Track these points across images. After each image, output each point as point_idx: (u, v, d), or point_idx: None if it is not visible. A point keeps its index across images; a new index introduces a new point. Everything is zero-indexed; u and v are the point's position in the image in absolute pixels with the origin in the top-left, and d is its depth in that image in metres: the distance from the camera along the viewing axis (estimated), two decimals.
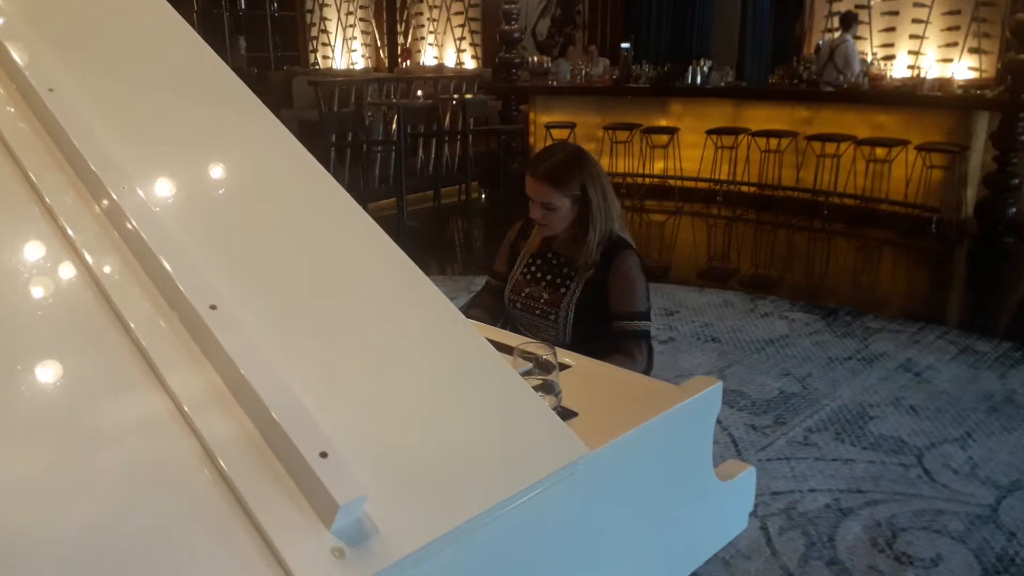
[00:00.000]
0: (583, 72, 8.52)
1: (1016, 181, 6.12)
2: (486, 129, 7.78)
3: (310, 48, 13.05)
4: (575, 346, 2.04)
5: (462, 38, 13.61)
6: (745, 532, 2.46)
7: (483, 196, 8.00)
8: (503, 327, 2.18)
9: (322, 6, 13.19)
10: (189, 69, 1.35)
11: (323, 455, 0.84)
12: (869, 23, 10.66)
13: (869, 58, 8.43)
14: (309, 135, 6.80)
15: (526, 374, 1.24)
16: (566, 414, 1.25)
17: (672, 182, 7.69)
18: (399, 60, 13.30)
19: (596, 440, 1.14)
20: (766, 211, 7.16)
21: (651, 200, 7.73)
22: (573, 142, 7.25)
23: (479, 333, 1.13)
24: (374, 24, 13.88)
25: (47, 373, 0.90)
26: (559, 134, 7.94)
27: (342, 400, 0.97)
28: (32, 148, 1.10)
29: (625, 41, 9.80)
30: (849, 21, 7.71)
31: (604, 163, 7.98)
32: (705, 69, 7.76)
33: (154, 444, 0.86)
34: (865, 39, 10.49)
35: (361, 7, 13.70)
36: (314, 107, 7.12)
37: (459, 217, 7.30)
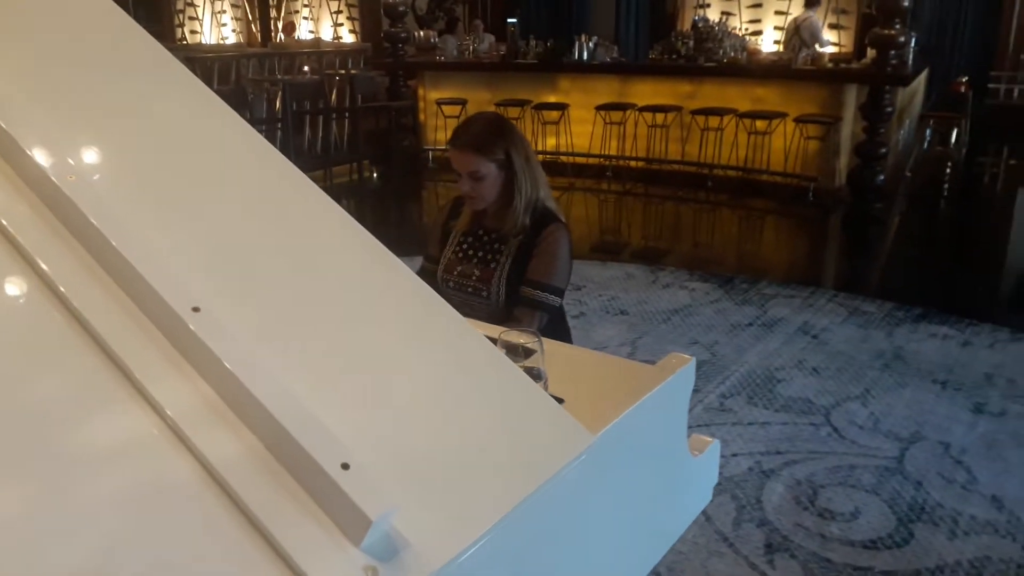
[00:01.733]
0: (471, 48, 8.43)
1: (884, 150, 6.54)
2: (375, 106, 7.59)
3: (176, 22, 12.31)
4: (510, 322, 2.03)
5: (339, 11, 13.18)
6: None
7: (375, 175, 7.83)
8: None
9: None
10: (119, 46, 1.21)
11: (345, 467, 0.77)
12: (737, 0, 11.08)
13: (740, 33, 8.78)
14: None
15: (514, 360, 1.20)
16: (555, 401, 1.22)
17: (564, 158, 7.76)
18: (275, 35, 12.75)
19: (591, 427, 1.11)
20: (654, 184, 7.35)
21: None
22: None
23: (469, 325, 1.08)
24: None
25: (10, 397, 0.79)
26: (450, 110, 7.84)
27: (347, 406, 0.90)
28: None
29: (509, 17, 9.78)
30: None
31: None
32: (591, 45, 7.84)
33: (148, 469, 0.77)
34: (734, 15, 10.90)
35: None
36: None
37: (352, 197, 7.10)
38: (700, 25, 7.96)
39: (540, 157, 7.69)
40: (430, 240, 2.22)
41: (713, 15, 10.24)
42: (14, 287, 0.89)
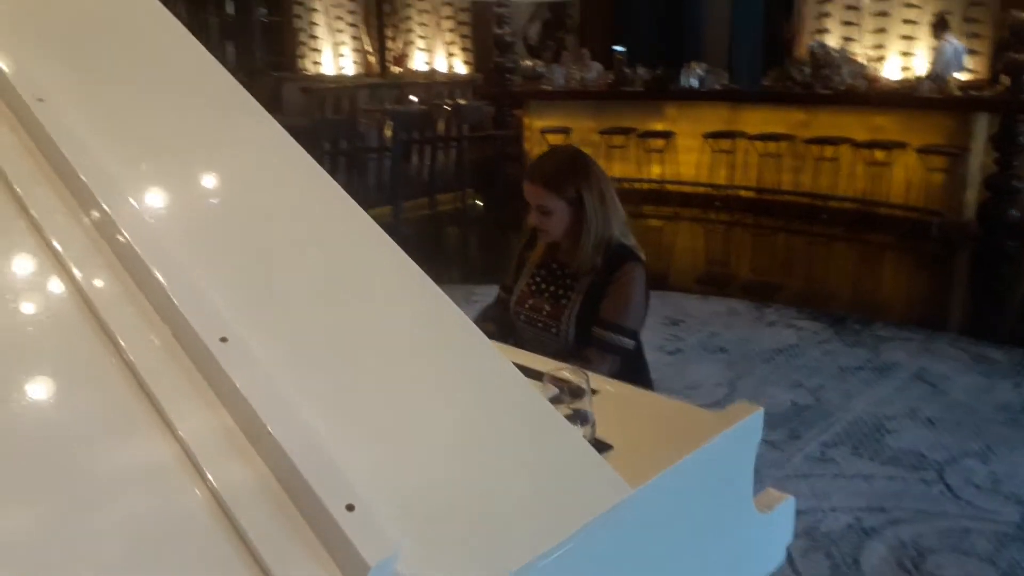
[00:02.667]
0: (577, 76, 8.43)
1: (1017, 183, 6.06)
2: (481, 135, 7.68)
3: (298, 54, 12.93)
4: (579, 362, 1.96)
5: (452, 43, 13.52)
6: None
7: (479, 203, 7.90)
8: (513, 341, 2.10)
9: (310, 11, 13.08)
10: (188, 75, 1.24)
11: (350, 508, 0.73)
12: (859, 24, 10.63)
13: (863, 59, 8.40)
14: (300, 142, 6.69)
15: (556, 401, 1.13)
16: (601, 447, 1.15)
17: (669, 187, 7.61)
18: (391, 65, 13.19)
19: (635, 477, 1.03)
20: (764, 215, 7.09)
21: (648, 205, 7.65)
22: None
23: (508, 362, 1.02)
24: (363, 29, 13.77)
25: (38, 413, 0.79)
26: (554, 139, 7.85)
27: (368, 442, 0.86)
28: (20, 162, 0.99)
29: (617, 45, 9.73)
30: (940, 26, 7.84)
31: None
32: (700, 72, 7.70)
33: (161, 494, 0.76)
34: (856, 40, 10.46)
35: (350, 12, 13.59)
36: (304, 114, 7.00)
37: (455, 224, 7.20)
38: (817, 51, 7.67)
39: (644, 185, 7.63)
40: (508, 269, 2.18)
41: (833, 41, 9.85)
42: (55, 298, 0.90)
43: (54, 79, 1.09)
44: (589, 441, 1.14)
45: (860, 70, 7.29)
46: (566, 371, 1.15)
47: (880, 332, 4.25)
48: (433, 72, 12.91)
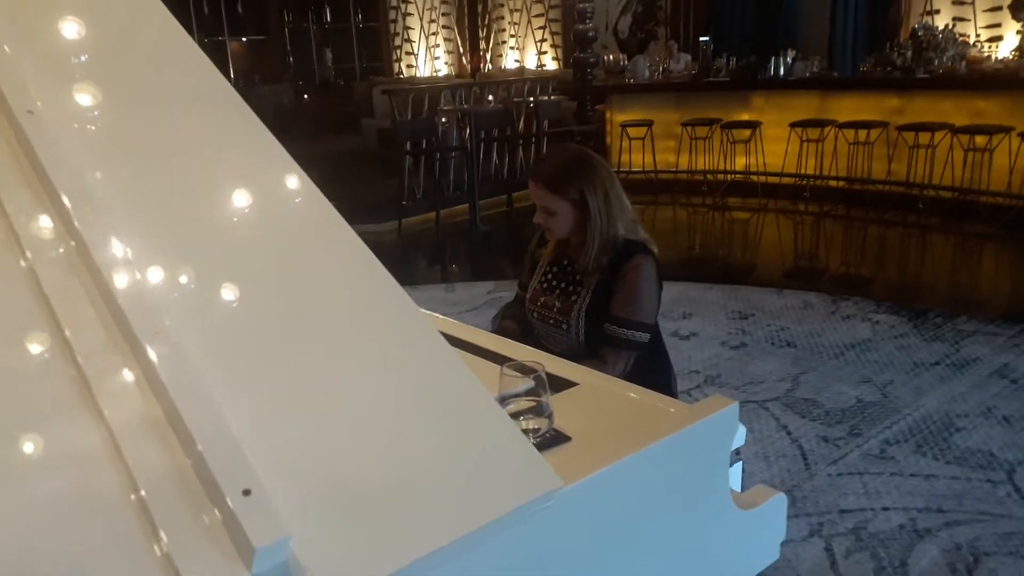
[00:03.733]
0: (660, 68, 8.32)
1: None
2: (559, 131, 7.70)
3: (394, 57, 13.27)
4: (591, 352, 1.96)
5: (543, 40, 13.57)
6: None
7: None
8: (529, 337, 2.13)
9: (405, 15, 13.39)
10: (186, 84, 1.32)
11: (246, 492, 0.79)
12: (973, 3, 10.01)
13: (972, 40, 7.91)
14: (386, 143, 6.90)
15: (514, 395, 1.17)
16: (558, 439, 1.17)
17: (755, 178, 7.41)
18: (480, 65, 13.36)
19: (580, 470, 1.06)
20: (856, 206, 6.80)
21: (734, 197, 7.48)
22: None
23: (449, 351, 1.06)
24: (456, 30, 14.01)
25: None
26: (636, 132, 7.77)
27: (291, 423, 0.92)
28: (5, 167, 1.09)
29: (709, 34, 9.52)
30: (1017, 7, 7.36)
31: (683, 160, 7.78)
32: (789, 60, 7.45)
33: (83, 473, 0.84)
34: (968, 20, 9.85)
35: (443, 14, 13.85)
36: (389, 115, 7.21)
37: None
38: (920, 33, 7.28)
39: (729, 177, 7.46)
40: (524, 267, 2.21)
41: (942, 22, 9.31)
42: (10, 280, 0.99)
43: (49, 91, 1.17)
44: (546, 433, 1.17)
45: (964, 52, 6.87)
46: (523, 362, 1.18)
47: (963, 327, 4.02)
48: (522, 69, 13.00)
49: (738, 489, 2.15)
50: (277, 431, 0.90)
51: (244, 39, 11.73)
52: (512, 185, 7.04)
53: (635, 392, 1.36)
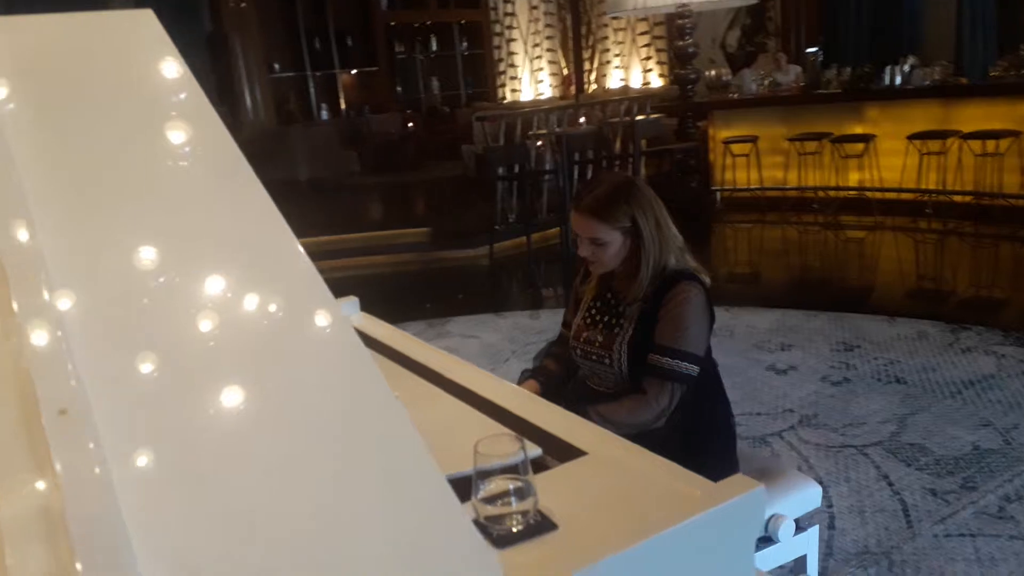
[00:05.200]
0: (764, 81, 7.95)
1: None
2: (658, 149, 7.46)
3: (498, 83, 13.37)
4: (637, 394, 1.80)
5: (648, 57, 13.35)
6: None
7: None
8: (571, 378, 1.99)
9: (509, 41, 13.48)
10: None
11: None
12: None
13: None
14: (482, 168, 6.89)
15: (491, 472, 1.02)
16: (542, 527, 1.02)
17: (870, 194, 6.92)
18: (588, 87, 13.28)
19: (563, 570, 0.90)
20: (985, 223, 6.22)
21: (847, 215, 7.02)
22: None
23: (405, 420, 0.92)
24: (560, 53, 13.99)
25: None
26: (739, 149, 7.45)
27: (196, 517, 0.81)
28: None
29: (823, 45, 9.05)
30: None
31: (791, 177, 7.38)
32: (906, 68, 6.95)
33: None
34: None
35: (548, 38, 13.86)
36: (488, 141, 7.19)
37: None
38: None
39: (841, 194, 7.00)
40: (569, 304, 2.07)
41: None
42: None
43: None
44: (530, 520, 1.02)
45: None
46: (502, 438, 1.03)
47: None
48: (627, 88, 12.80)
49: (815, 561, 1.92)
50: (178, 522, 0.80)
51: (354, 71, 12.09)
52: None
53: (652, 464, 1.19)
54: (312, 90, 11.53)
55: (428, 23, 13.01)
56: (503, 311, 5.08)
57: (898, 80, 6.87)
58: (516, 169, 6.70)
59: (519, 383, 2.05)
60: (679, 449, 1.79)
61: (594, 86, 13.37)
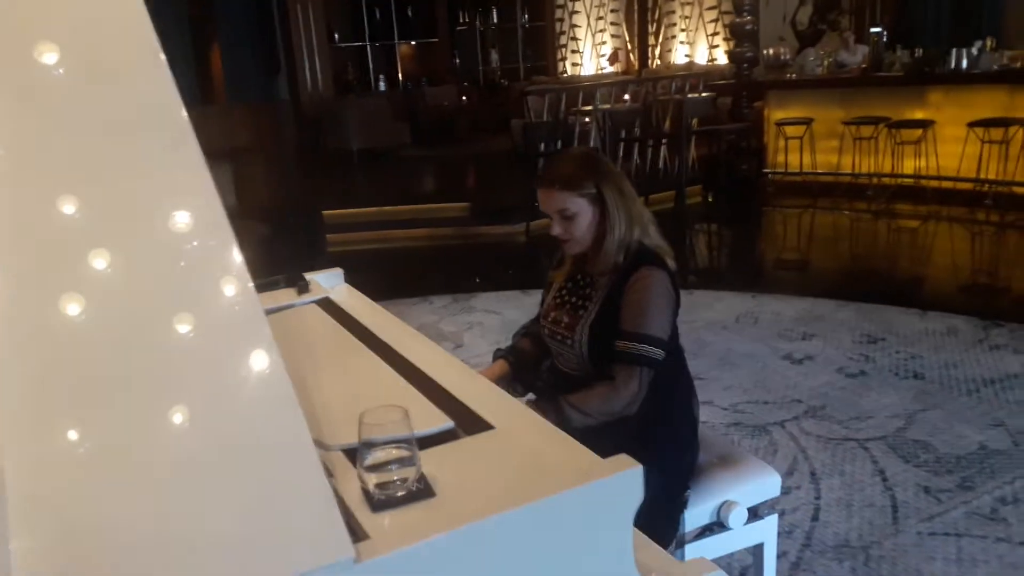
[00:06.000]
0: (823, 62, 7.71)
1: None
2: (708, 129, 7.33)
3: (559, 56, 13.27)
4: (597, 372, 1.83)
5: (715, 33, 13.06)
6: None
7: (710, 199, 7.54)
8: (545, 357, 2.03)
9: (572, 13, 13.35)
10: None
11: None
12: None
13: None
14: (526, 143, 6.90)
15: (375, 443, 1.07)
16: (421, 494, 1.07)
17: (926, 183, 6.68)
18: (651, 61, 13.07)
19: (407, 535, 0.96)
20: None
21: (902, 203, 6.80)
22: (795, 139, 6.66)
23: (287, 395, 0.98)
24: (624, 27, 13.78)
25: None
26: (793, 131, 7.27)
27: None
28: None
29: (900, 24, 8.71)
30: None
31: (845, 162, 7.18)
32: (975, 51, 6.64)
33: None
34: None
35: (612, 11, 13.67)
36: (537, 116, 7.17)
37: (668, 223, 6.93)
38: None
39: (896, 181, 6.78)
40: (545, 287, 2.10)
41: None
42: None
43: None
44: (412, 487, 1.07)
45: None
46: (388, 409, 1.08)
47: None
48: (691, 64, 12.56)
49: (773, 550, 1.93)
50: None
51: (413, 42, 12.18)
52: (650, 187, 6.80)
53: (550, 440, 1.23)
54: (371, 61, 11.67)
55: None
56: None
57: (964, 64, 6.59)
58: (559, 145, 6.69)
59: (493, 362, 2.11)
60: (635, 433, 1.82)
61: (658, 62, 13.15)
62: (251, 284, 1.03)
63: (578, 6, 13.29)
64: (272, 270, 2.20)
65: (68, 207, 0.98)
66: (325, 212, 6.82)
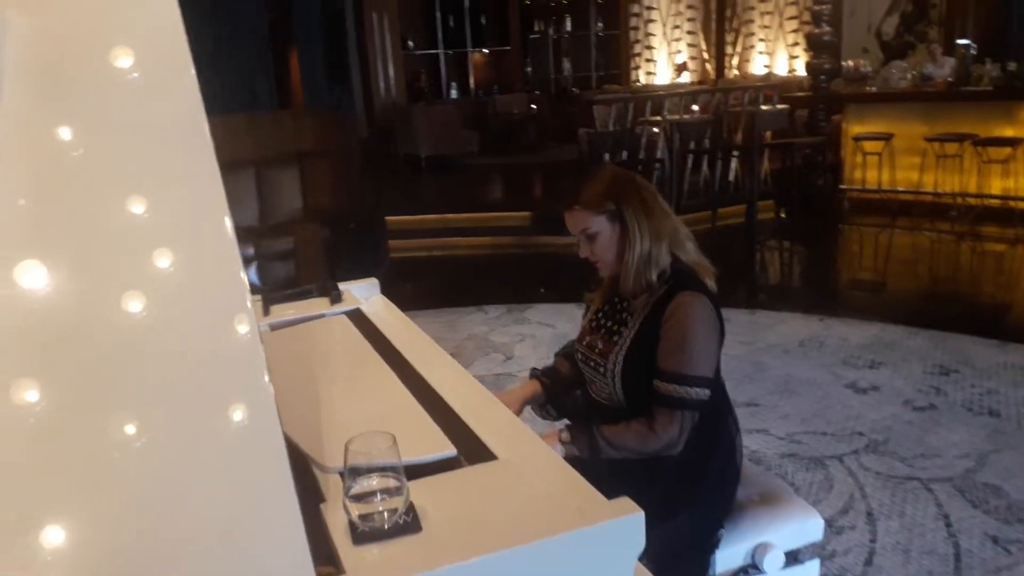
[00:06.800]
0: (907, 75, 7.38)
1: None
2: (781, 142, 7.10)
3: (632, 65, 13.12)
4: (629, 406, 1.73)
5: (795, 43, 12.71)
6: None
7: (782, 215, 7.29)
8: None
9: (648, 22, 13.19)
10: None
11: None
12: None
13: None
14: (582, 153, 6.82)
15: (361, 470, 1.01)
16: (407, 528, 1.01)
17: (1014, 204, 6.31)
18: (728, 71, 12.81)
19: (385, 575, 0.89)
20: None
21: (988, 225, 6.44)
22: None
23: (275, 437, 0.93)
24: (702, 36, 13.55)
25: None
26: (871, 147, 6.98)
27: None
28: None
29: (984, 35, 8.29)
30: None
31: (927, 180, 6.85)
32: None
33: None
34: None
35: (688, 20, 13.45)
36: (603, 125, 7.08)
37: (736, 239, 6.71)
38: None
39: (983, 202, 6.42)
40: (584, 309, 2.01)
41: None
42: None
43: None
44: (398, 520, 1.01)
45: None
46: (376, 436, 1.02)
47: None
48: (770, 75, 12.25)
49: None
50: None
51: (485, 50, 12.22)
52: (719, 200, 6.61)
53: (553, 476, 1.14)
54: (443, 68, 11.75)
55: (564, 2, 12.92)
56: None
57: None
58: (624, 156, 6.57)
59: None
60: (670, 465, 1.72)
61: (735, 72, 12.87)
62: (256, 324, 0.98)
63: (654, 14, 13.12)
64: (333, 274, 2.17)
65: (137, 207, 0.97)
66: (389, 218, 6.86)
